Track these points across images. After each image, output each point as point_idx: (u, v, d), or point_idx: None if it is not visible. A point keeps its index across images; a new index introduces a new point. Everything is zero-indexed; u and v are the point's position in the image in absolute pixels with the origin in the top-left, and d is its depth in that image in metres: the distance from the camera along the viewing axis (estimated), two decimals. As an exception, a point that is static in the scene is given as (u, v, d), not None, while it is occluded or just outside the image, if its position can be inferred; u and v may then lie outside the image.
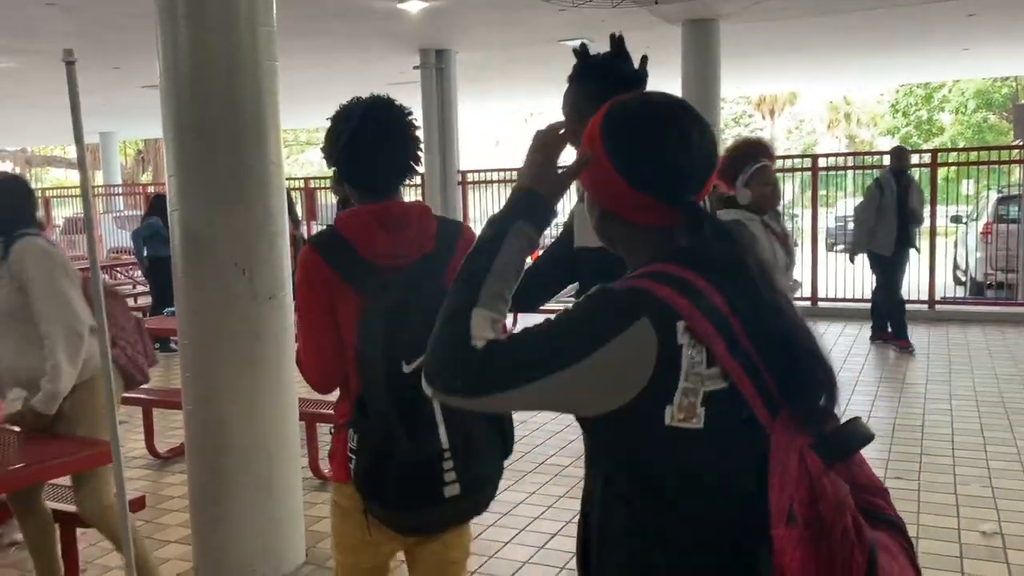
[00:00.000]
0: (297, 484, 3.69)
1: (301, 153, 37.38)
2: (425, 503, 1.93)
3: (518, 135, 30.41)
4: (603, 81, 1.92)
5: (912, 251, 7.86)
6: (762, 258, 1.29)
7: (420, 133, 2.11)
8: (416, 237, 1.98)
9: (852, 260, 8.23)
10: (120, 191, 19.85)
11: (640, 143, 1.24)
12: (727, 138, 27.80)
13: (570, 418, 1.32)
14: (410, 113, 2.07)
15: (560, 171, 1.29)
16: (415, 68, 11.74)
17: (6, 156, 33.43)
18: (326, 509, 4.30)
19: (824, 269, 10.11)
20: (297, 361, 2.07)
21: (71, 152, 27.60)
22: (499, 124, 31.21)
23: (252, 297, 3.39)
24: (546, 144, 1.30)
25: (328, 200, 13.48)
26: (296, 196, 13.46)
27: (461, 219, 12.23)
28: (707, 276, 1.20)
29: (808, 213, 10.79)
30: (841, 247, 15.03)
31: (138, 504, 3.37)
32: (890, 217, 7.58)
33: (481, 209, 12.33)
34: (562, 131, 1.32)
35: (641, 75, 2.02)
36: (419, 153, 2.06)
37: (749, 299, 1.20)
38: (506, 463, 2.11)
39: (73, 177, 30.09)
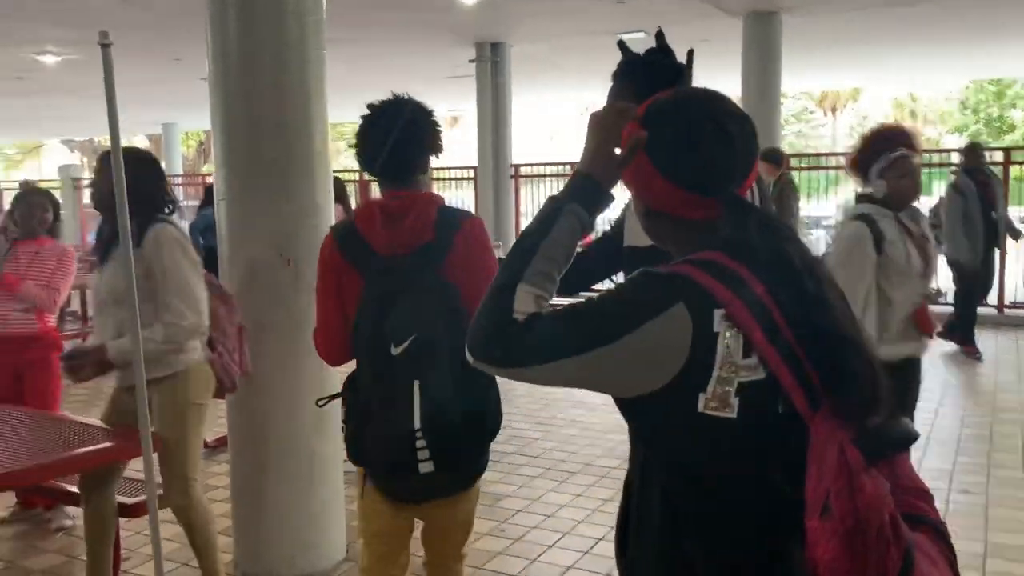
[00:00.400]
0: (338, 478, 3.65)
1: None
2: (400, 475, 2.09)
3: (573, 128, 30.24)
4: (644, 78, 1.91)
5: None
6: (805, 250, 1.25)
7: (445, 126, 2.29)
8: (413, 228, 2.09)
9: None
10: (180, 181, 20.24)
11: (677, 138, 1.24)
12: (786, 134, 27.25)
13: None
14: (423, 110, 2.20)
15: (616, 155, 1.28)
16: (470, 62, 11.69)
17: (75, 146, 34.40)
18: (369, 504, 4.28)
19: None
20: (313, 335, 2.28)
21: (135, 142, 28.29)
22: (554, 117, 31.03)
23: (296, 288, 3.34)
24: (602, 127, 1.29)
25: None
26: (351, 188, 13.55)
27: (514, 213, 12.16)
28: (750, 265, 1.20)
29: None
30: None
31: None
32: (975, 222, 7.22)
33: (534, 203, 12.23)
34: (620, 112, 1.30)
35: (682, 70, 1.97)
36: (432, 144, 2.20)
37: (792, 290, 1.19)
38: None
39: (137, 167, 30.74)
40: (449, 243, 2.10)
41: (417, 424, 1.99)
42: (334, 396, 2.27)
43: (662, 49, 2.00)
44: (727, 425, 1.17)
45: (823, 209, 13.51)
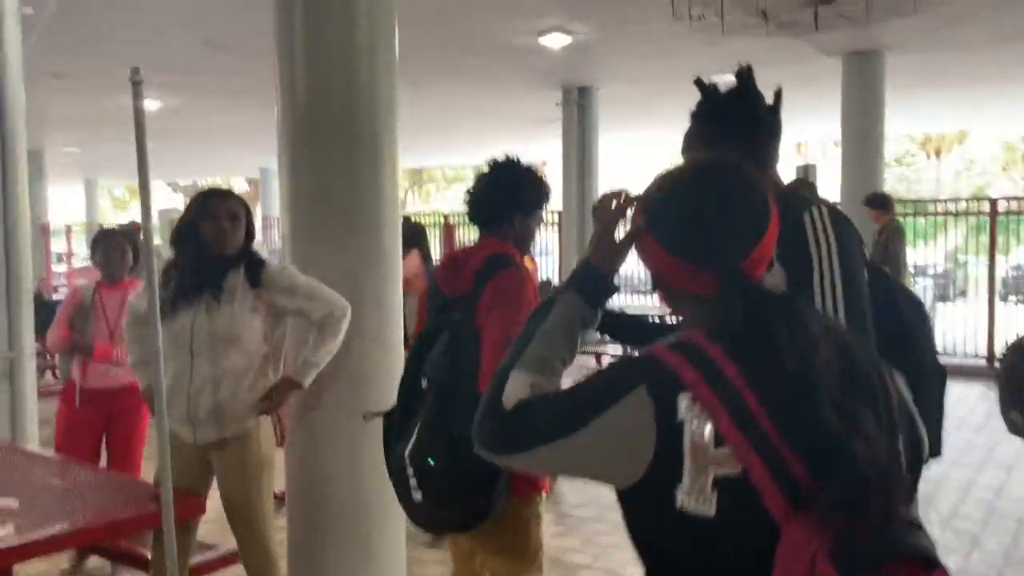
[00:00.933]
0: (400, 543, 3.41)
1: (447, 189, 38.16)
2: (403, 501, 2.24)
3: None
4: (719, 121, 1.80)
5: None
6: (811, 333, 1.14)
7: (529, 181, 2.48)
8: (459, 277, 2.33)
9: None
10: (278, 223, 20.76)
11: (676, 210, 1.21)
12: (886, 178, 26.29)
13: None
14: (512, 166, 2.48)
15: (615, 242, 1.29)
16: (557, 105, 11.57)
17: (179, 188, 35.88)
18: (434, 568, 4.03)
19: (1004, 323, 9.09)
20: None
21: (234, 184, 29.28)
22: (645, 160, 30.76)
23: (358, 337, 3.16)
24: (603, 215, 1.30)
25: (468, 237, 13.51)
26: (432, 233, 13.54)
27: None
28: (728, 346, 1.12)
29: (979, 261, 9.89)
30: (1015, 298, 13.70)
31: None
32: None
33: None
34: (617, 198, 1.32)
35: (763, 117, 1.81)
36: (512, 200, 2.43)
37: (774, 373, 1.09)
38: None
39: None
40: (480, 292, 2.26)
41: (406, 452, 2.18)
42: (377, 413, 2.40)
43: (744, 89, 1.85)
44: (706, 524, 1.07)
45: (927, 257, 12.82)
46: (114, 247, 4.12)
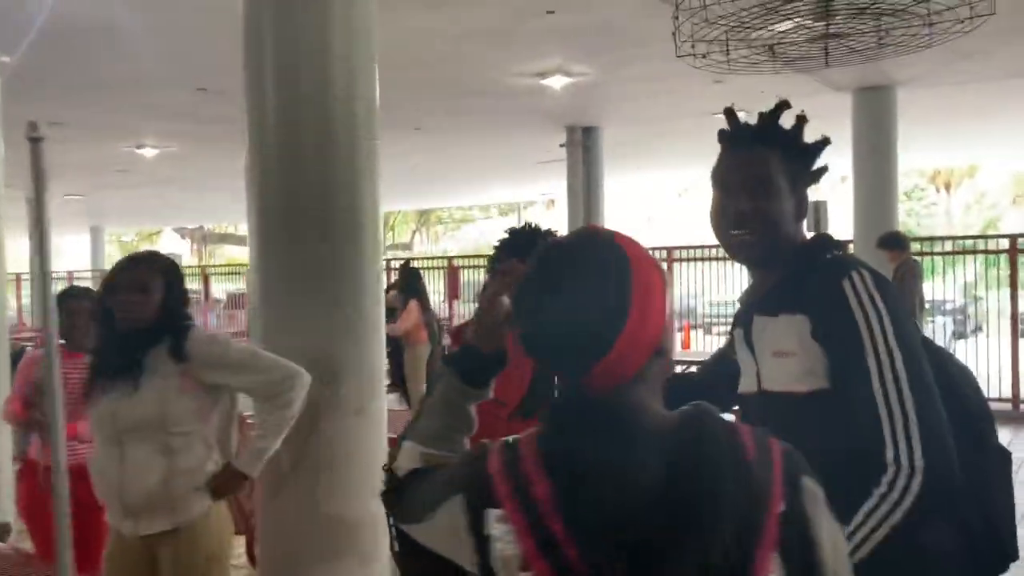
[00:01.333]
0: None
1: (456, 230, 38.06)
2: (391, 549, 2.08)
3: (671, 211, 29.71)
4: (741, 146, 1.64)
5: None
6: (636, 453, 0.99)
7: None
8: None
9: None
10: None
11: (516, 301, 1.11)
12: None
13: None
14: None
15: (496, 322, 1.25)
16: (561, 146, 11.39)
17: (186, 233, 35.92)
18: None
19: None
20: None
21: (242, 229, 29.23)
22: (651, 199, 30.63)
23: (337, 410, 2.87)
24: (484, 295, 1.31)
25: (473, 279, 13.29)
26: (437, 275, 13.31)
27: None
28: (545, 459, 1.01)
29: (999, 297, 9.64)
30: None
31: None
32: None
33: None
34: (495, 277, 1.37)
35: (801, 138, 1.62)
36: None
37: (586, 496, 0.98)
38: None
39: (243, 254, 31.87)
40: None
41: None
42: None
43: (770, 118, 1.68)
44: None
45: (941, 293, 12.49)
46: (78, 311, 3.60)
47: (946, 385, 1.51)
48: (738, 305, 1.76)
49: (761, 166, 1.60)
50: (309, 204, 2.93)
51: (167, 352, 2.56)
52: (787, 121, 1.67)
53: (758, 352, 1.61)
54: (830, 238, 1.67)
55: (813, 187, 1.71)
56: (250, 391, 2.65)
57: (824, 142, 1.68)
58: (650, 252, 1.11)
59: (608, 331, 1.01)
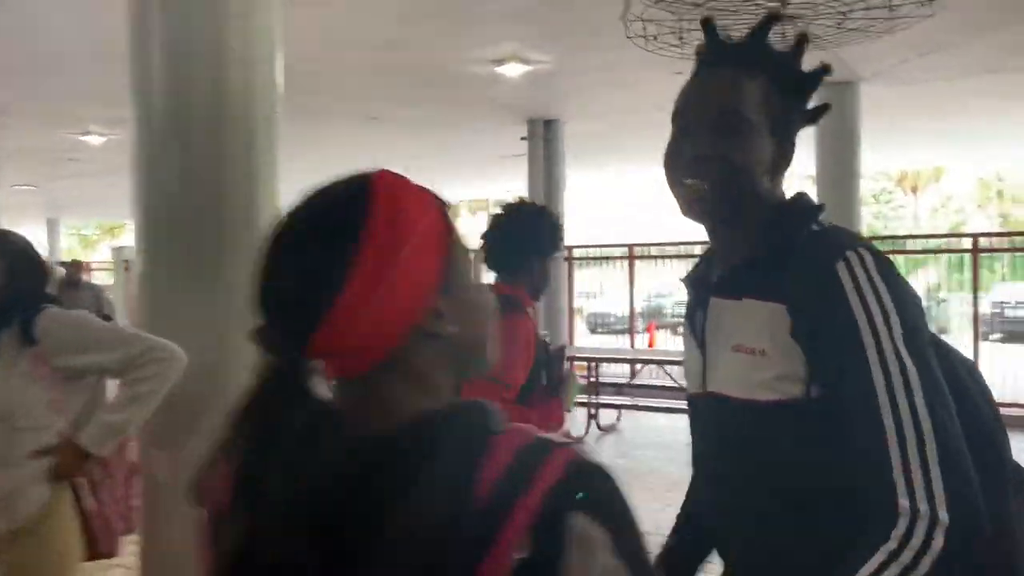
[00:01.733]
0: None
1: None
2: None
3: (635, 208, 29.66)
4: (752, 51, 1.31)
5: None
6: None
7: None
8: None
9: None
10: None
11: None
12: (863, 215, 26.17)
13: None
14: (522, 208, 2.69)
15: None
16: (522, 139, 11.16)
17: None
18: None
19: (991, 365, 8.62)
20: None
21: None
22: (615, 195, 30.53)
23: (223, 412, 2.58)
24: None
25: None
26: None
27: (567, 298, 11.40)
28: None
29: (961, 299, 9.57)
30: (996, 336, 13.37)
31: None
32: None
33: (591, 287, 11.49)
34: None
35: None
36: (525, 243, 2.51)
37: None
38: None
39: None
40: None
41: None
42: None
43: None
44: None
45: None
46: None
47: (957, 394, 1.14)
48: (685, 289, 1.39)
49: (733, 96, 1.24)
50: (198, 181, 2.64)
51: (16, 336, 2.28)
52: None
53: (710, 343, 1.27)
54: (811, 200, 1.30)
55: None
56: (108, 370, 2.36)
57: (824, 69, 1.34)
58: (441, 203, 0.86)
59: (312, 299, 0.79)
